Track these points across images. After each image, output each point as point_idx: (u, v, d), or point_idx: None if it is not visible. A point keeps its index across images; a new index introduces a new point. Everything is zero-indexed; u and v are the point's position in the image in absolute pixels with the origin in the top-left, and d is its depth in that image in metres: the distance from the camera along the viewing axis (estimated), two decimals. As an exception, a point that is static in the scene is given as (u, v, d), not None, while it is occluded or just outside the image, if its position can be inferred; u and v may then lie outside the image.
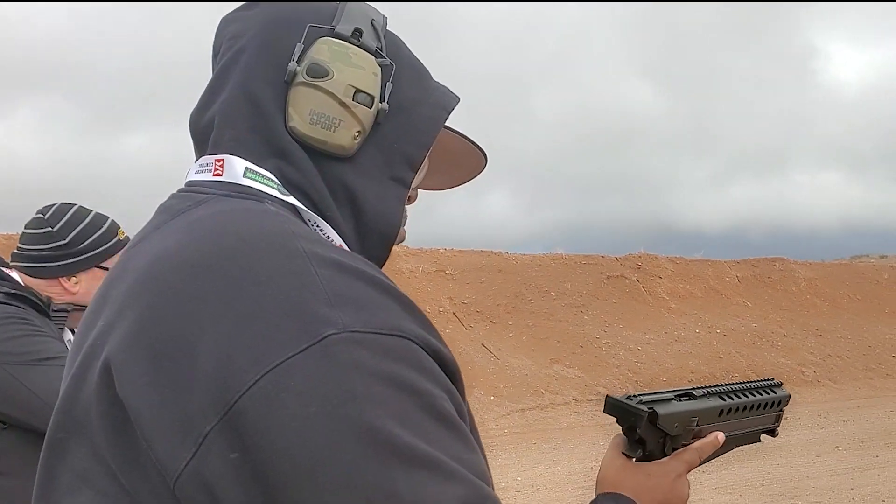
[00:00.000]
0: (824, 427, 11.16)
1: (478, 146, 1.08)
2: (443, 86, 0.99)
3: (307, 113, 0.85)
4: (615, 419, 1.07)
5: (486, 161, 1.10)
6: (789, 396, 1.23)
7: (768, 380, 1.23)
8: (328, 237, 0.87)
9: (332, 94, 0.85)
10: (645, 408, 1.03)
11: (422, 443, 0.67)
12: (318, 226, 0.86)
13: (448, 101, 0.97)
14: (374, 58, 0.89)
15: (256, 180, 0.85)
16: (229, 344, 0.67)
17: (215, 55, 0.93)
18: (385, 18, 0.94)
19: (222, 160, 0.86)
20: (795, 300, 18.55)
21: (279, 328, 0.67)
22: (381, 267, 0.91)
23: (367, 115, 0.87)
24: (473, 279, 14.95)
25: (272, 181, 0.85)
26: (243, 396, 0.65)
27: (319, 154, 0.87)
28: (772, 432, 1.27)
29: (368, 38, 0.89)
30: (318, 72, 0.85)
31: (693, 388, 1.11)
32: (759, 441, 1.27)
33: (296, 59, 0.86)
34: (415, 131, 0.92)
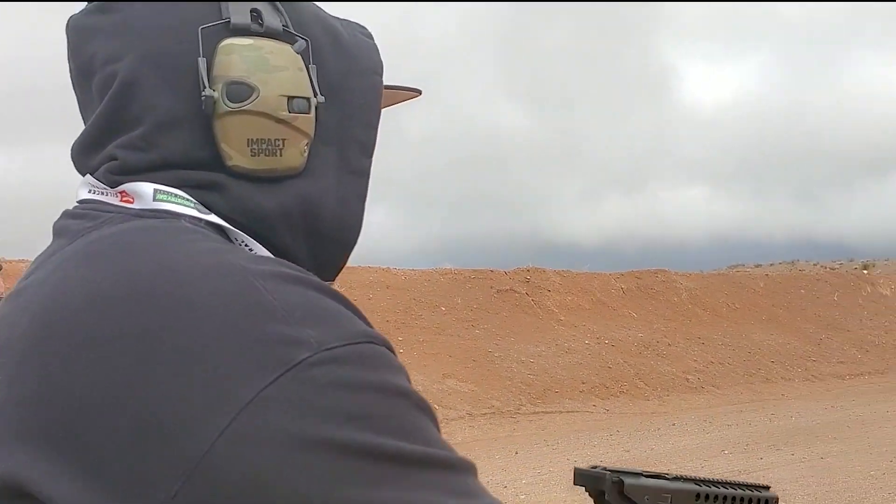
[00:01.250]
0: (710, 432, 11.38)
1: (412, 88, 0.98)
2: (353, 30, 0.86)
3: (245, 145, 0.72)
4: (584, 489, 1.04)
5: (420, 93, 1.01)
6: (777, 499, 1.15)
7: (755, 483, 1.16)
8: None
9: (266, 113, 0.72)
10: (611, 474, 1.01)
11: (431, 447, 0.59)
12: (245, 244, 0.74)
13: (374, 58, 0.85)
14: (289, 46, 0.75)
15: (171, 201, 0.72)
16: (180, 386, 0.55)
17: (85, 77, 0.77)
18: None
19: (125, 191, 0.73)
20: (678, 310, 19.09)
21: (240, 358, 0.56)
22: (335, 277, 0.83)
23: (308, 121, 0.75)
24: (361, 295, 14.73)
25: (188, 200, 0.72)
26: (215, 446, 0.54)
27: (267, 180, 0.75)
28: None
29: (270, 17, 0.75)
30: (242, 93, 0.72)
31: (665, 472, 1.07)
32: None
33: (206, 81, 0.71)
34: (357, 111, 0.81)
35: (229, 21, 0.73)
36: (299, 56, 0.75)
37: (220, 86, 0.71)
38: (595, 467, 1.03)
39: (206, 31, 0.72)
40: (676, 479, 1.06)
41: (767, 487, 1.15)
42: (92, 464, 0.56)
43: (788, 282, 22.62)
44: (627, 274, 19.81)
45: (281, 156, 0.74)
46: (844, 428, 11.39)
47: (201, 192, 0.73)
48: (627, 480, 1.01)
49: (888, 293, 24.26)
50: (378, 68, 0.85)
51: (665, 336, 17.46)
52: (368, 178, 0.83)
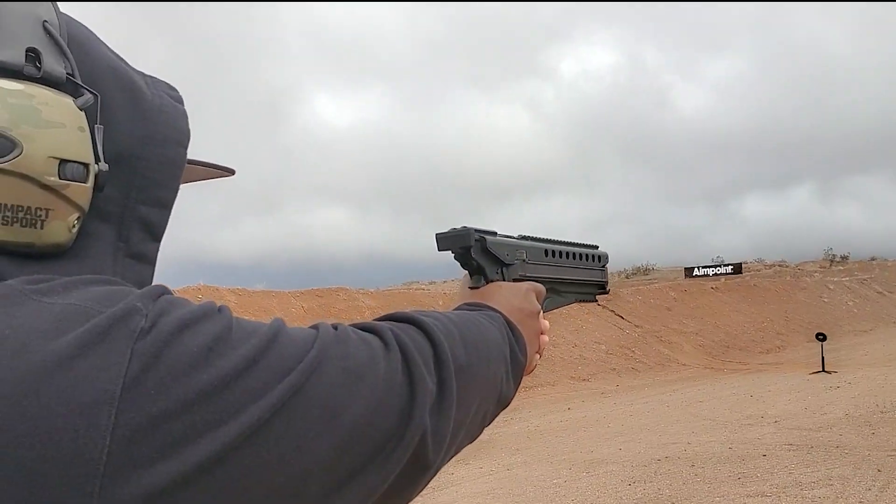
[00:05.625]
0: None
1: (224, 168, 0.88)
2: (159, 90, 0.72)
3: None
4: (452, 252, 1.09)
5: (234, 173, 0.91)
6: (608, 255, 1.31)
7: (587, 243, 1.31)
8: None
9: (28, 176, 0.61)
10: (475, 232, 1.07)
11: None
12: None
13: (179, 126, 0.72)
14: (71, 100, 0.63)
15: None
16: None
17: None
18: (55, 6, 0.65)
19: None
20: (361, 328, 19.05)
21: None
22: None
23: (83, 191, 0.64)
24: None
25: None
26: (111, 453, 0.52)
27: (24, 255, 0.63)
28: (602, 288, 1.36)
29: (50, 59, 0.62)
30: (1, 147, 0.60)
31: (511, 234, 1.15)
32: (595, 301, 1.37)
33: None
34: (149, 185, 0.70)
35: None
36: (83, 113, 0.64)
37: None
38: (453, 229, 1.09)
39: None
40: (524, 238, 1.20)
41: (597, 247, 1.34)
42: None
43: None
44: (308, 292, 19.50)
45: (42, 228, 0.62)
46: (525, 439, 11.68)
47: None
48: (489, 238, 1.11)
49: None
50: (183, 139, 0.74)
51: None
52: (153, 265, 0.72)
